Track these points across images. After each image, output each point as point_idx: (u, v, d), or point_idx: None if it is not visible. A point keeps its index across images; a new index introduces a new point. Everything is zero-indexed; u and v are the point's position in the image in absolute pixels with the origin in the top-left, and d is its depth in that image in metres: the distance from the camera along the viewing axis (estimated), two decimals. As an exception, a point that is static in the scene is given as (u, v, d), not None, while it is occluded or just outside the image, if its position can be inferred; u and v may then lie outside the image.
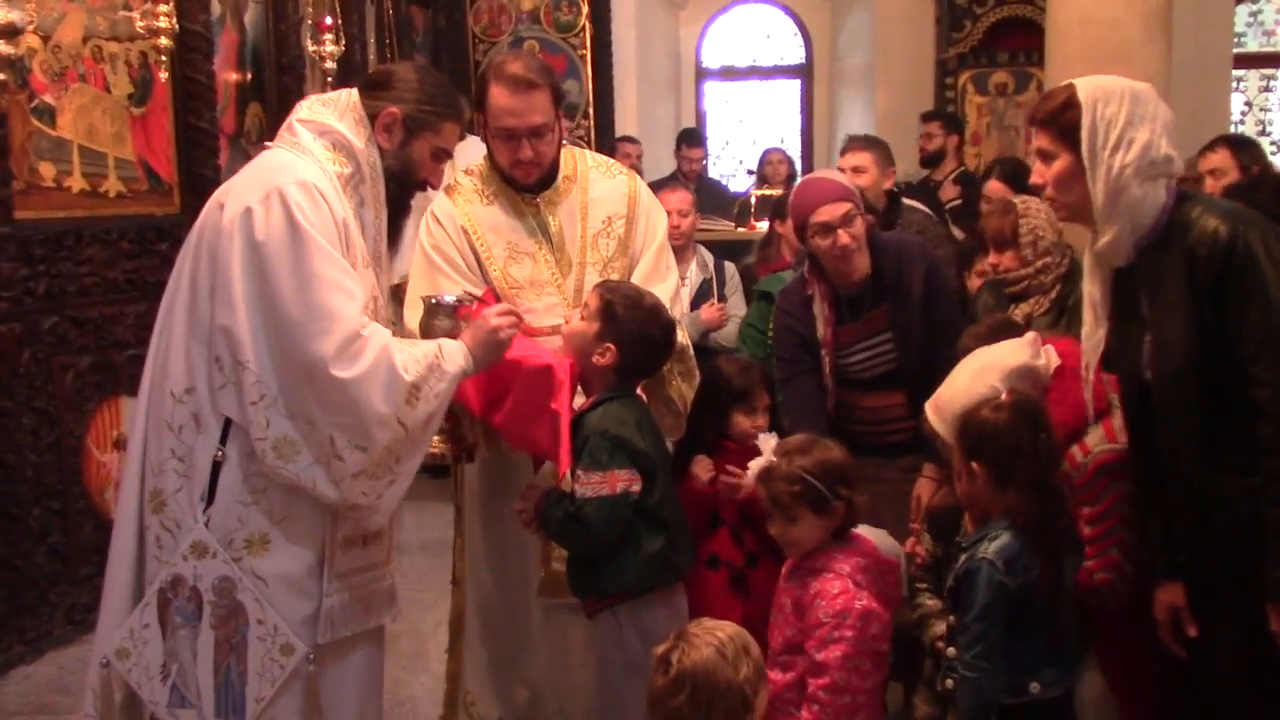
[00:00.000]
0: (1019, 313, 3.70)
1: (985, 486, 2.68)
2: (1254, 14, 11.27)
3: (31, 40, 4.45)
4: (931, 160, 7.80)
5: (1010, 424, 2.67)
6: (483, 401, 2.88)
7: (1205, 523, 2.56)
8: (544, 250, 3.24)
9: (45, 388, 4.55)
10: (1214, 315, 2.47)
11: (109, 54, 4.91)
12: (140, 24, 4.85)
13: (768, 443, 2.86)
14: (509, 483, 3.21)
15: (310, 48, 6.30)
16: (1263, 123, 11.46)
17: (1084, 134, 2.54)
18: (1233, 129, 10.19)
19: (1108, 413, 2.99)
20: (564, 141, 3.35)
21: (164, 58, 4.93)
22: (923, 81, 9.75)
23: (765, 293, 4.48)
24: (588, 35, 9.14)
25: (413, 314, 3.05)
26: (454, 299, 2.87)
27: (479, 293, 3.03)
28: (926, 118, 8.22)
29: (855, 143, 5.09)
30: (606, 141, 8.60)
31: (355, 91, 2.77)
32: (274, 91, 6.22)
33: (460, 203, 3.25)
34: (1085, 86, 2.59)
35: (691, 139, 8.94)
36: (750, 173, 9.42)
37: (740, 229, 7.54)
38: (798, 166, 10.14)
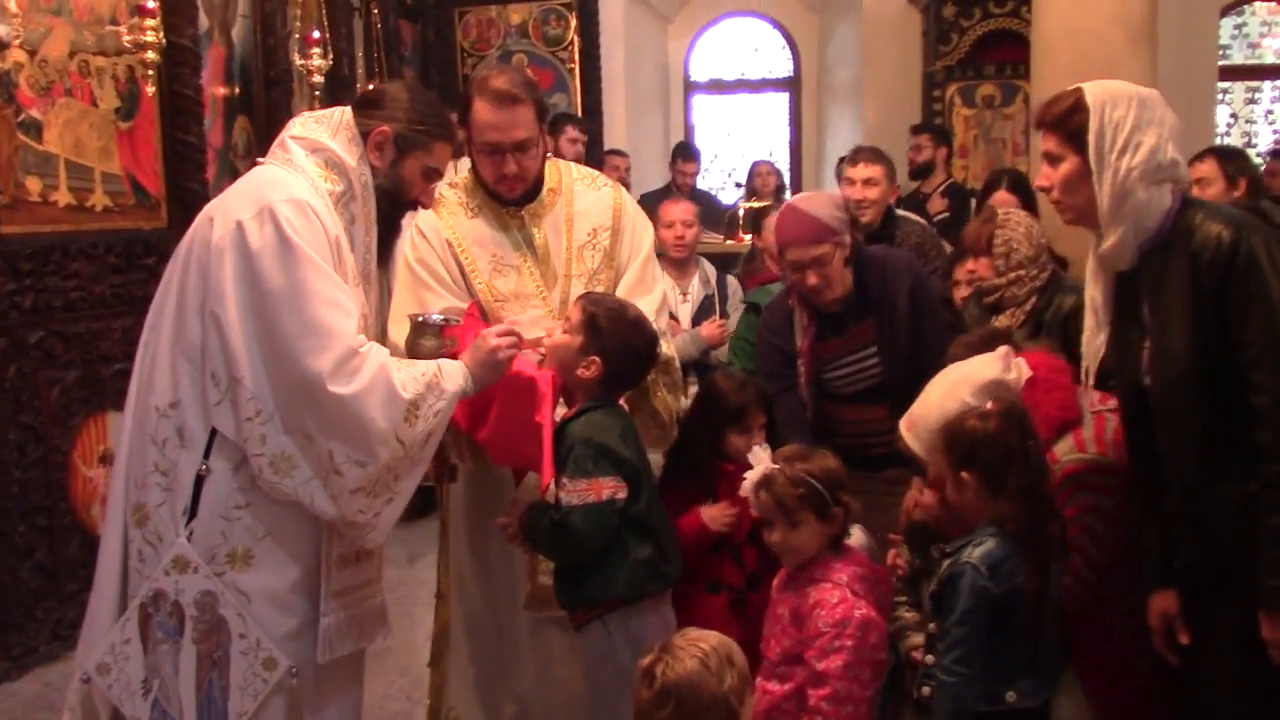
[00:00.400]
0: (997, 325, 3.72)
1: (975, 496, 2.67)
2: (1238, 26, 11.35)
3: (18, 54, 4.45)
4: (921, 172, 7.83)
5: (1000, 431, 2.68)
6: (469, 417, 2.87)
7: (1202, 529, 2.56)
8: (529, 263, 3.24)
9: (31, 403, 4.54)
10: (1215, 320, 2.47)
11: (96, 68, 4.91)
12: (127, 38, 4.88)
13: (761, 454, 2.86)
14: (494, 497, 3.20)
15: (298, 62, 6.32)
16: (1248, 134, 11.52)
17: (1091, 137, 2.55)
18: (1218, 141, 10.24)
19: (1077, 423, 3.00)
20: (548, 154, 3.35)
21: (151, 72, 4.97)
22: (910, 94, 9.79)
23: (754, 304, 4.49)
24: (576, 49, 9.16)
25: (397, 329, 3.04)
26: (441, 318, 2.86)
27: (465, 307, 3.03)
28: (916, 130, 8.25)
29: (865, 154, 5.02)
30: (595, 154, 8.62)
31: (348, 110, 2.77)
32: (262, 106, 6.22)
33: (445, 216, 3.25)
34: (1093, 90, 2.60)
35: (686, 153, 8.96)
36: (739, 185, 9.44)
37: (729, 241, 7.56)
38: (786, 179, 10.17)
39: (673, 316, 5.07)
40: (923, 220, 5.51)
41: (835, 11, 11.38)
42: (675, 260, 5.29)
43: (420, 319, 2.85)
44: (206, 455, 2.51)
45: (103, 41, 4.92)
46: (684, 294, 5.30)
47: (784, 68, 12.03)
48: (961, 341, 3.34)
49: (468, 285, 3.21)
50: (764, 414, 3.36)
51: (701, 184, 10.76)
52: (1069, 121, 2.60)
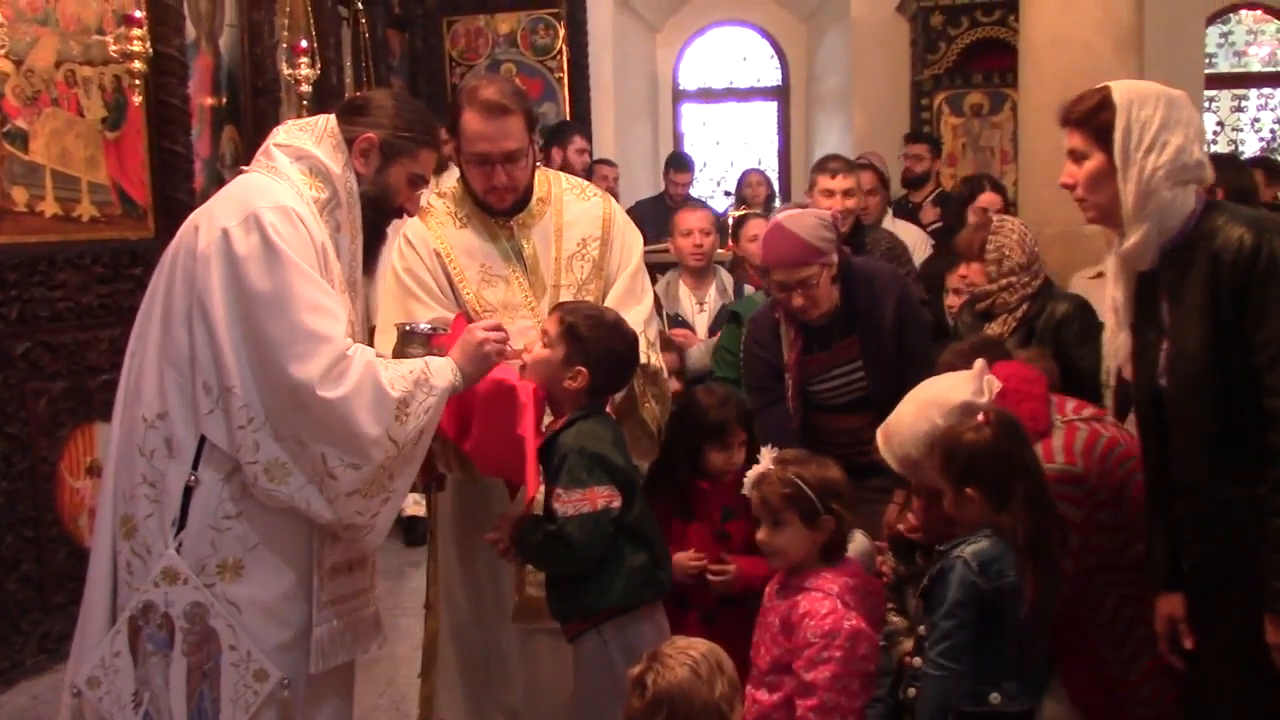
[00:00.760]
0: (989, 332, 3.73)
1: (980, 510, 2.67)
2: (1224, 35, 11.41)
3: (4, 64, 4.43)
4: (918, 182, 7.84)
5: (996, 440, 2.68)
6: (455, 426, 2.86)
7: (1209, 531, 2.56)
8: (518, 273, 3.23)
9: (18, 414, 4.51)
10: (1232, 323, 2.46)
11: (82, 78, 4.89)
12: (114, 48, 4.86)
13: (766, 454, 2.86)
14: (482, 507, 3.19)
15: (286, 71, 6.31)
16: (1235, 142, 11.57)
17: (1118, 135, 2.54)
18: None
19: (1046, 433, 3.00)
20: (537, 164, 3.34)
21: (138, 81, 4.94)
22: (899, 103, 9.81)
23: (735, 314, 4.47)
24: (565, 58, 9.17)
25: (384, 338, 3.03)
26: (428, 327, 2.85)
27: (451, 318, 3.02)
28: (912, 139, 8.26)
29: (841, 163, 4.96)
30: (585, 164, 8.62)
31: (333, 117, 2.76)
32: (249, 115, 6.20)
33: (433, 225, 3.24)
34: (1121, 88, 2.59)
35: (679, 163, 8.96)
36: (728, 194, 9.45)
37: (720, 250, 7.55)
38: (775, 188, 10.19)
39: (688, 326, 5.06)
40: (889, 230, 5.51)
41: (823, 20, 11.41)
42: (693, 269, 5.24)
43: (407, 328, 2.84)
44: (195, 466, 2.50)
45: (89, 51, 4.90)
46: (700, 304, 5.23)
47: (772, 76, 12.06)
48: (954, 349, 3.35)
49: (456, 295, 3.20)
50: (745, 430, 3.35)
51: (691, 193, 10.78)
52: (1095, 119, 2.59)
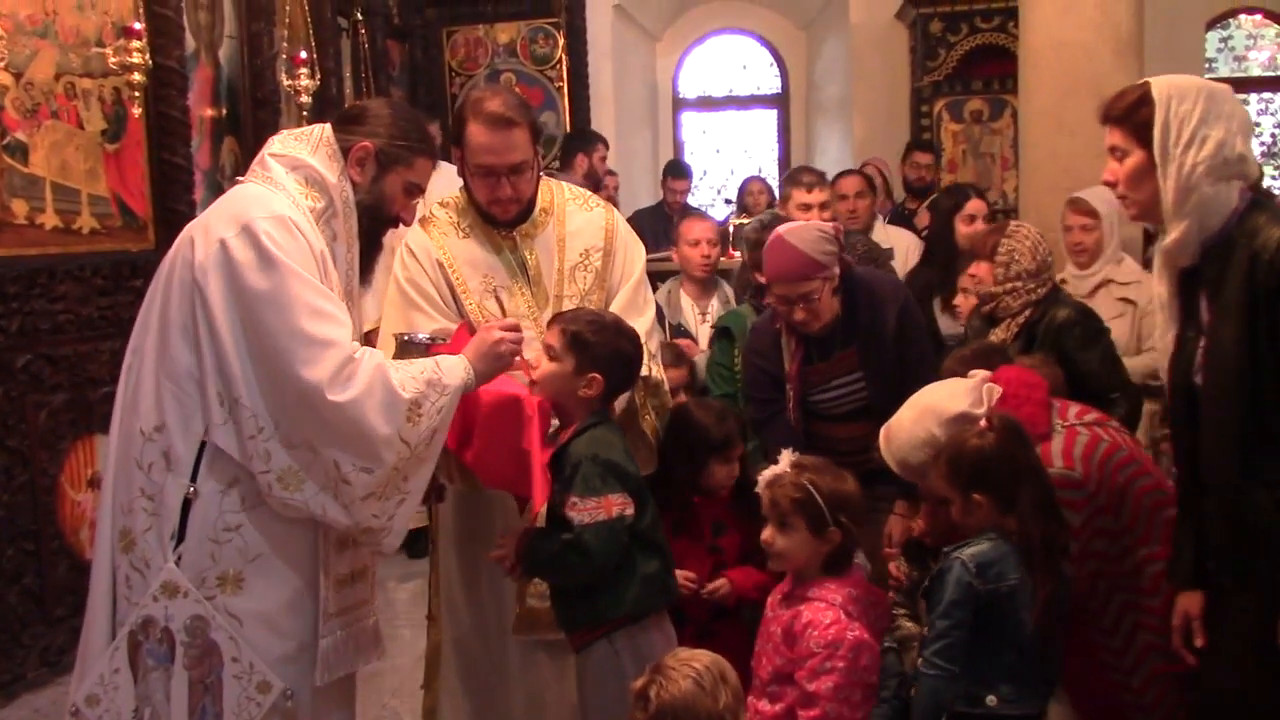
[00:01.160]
0: (994, 338, 3.74)
1: (988, 515, 2.68)
2: (1224, 39, 11.41)
3: (3, 77, 4.43)
4: (923, 190, 7.85)
5: (1000, 445, 2.68)
6: (456, 437, 2.84)
7: (1234, 531, 2.54)
8: (520, 284, 3.22)
9: (18, 426, 4.50)
10: (1268, 323, 2.44)
11: (82, 90, 4.88)
12: (113, 60, 4.87)
13: (785, 456, 2.86)
14: (483, 519, 3.19)
15: (285, 82, 6.32)
16: (1235, 146, 11.54)
17: (1157, 130, 2.50)
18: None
19: (1046, 438, 3.00)
20: (540, 174, 3.33)
21: (138, 93, 4.95)
22: (898, 110, 9.81)
23: (724, 328, 4.45)
24: (564, 68, 9.18)
25: (385, 350, 3.01)
26: (427, 337, 2.84)
27: (454, 328, 3.01)
28: (918, 147, 8.26)
29: (816, 176, 4.99)
30: (584, 172, 8.61)
31: (328, 126, 2.76)
32: (249, 126, 6.20)
33: (435, 235, 3.23)
34: (1160, 84, 2.56)
35: (677, 171, 8.97)
36: (728, 202, 9.45)
37: (721, 258, 7.54)
38: (777, 196, 10.18)
39: (691, 337, 5.05)
40: (863, 235, 5.51)
41: (822, 28, 11.41)
42: (698, 279, 5.23)
43: (405, 338, 2.83)
44: (194, 478, 2.49)
45: (89, 63, 4.90)
46: (704, 314, 5.21)
47: (772, 84, 12.06)
48: (955, 355, 3.35)
49: (458, 306, 3.19)
50: (744, 443, 3.37)
51: (691, 201, 10.78)
52: (1135, 115, 2.56)
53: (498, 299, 3.13)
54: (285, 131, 2.82)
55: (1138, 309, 4.55)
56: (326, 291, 2.54)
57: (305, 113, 6.26)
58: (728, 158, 12.15)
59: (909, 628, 2.93)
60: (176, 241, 2.63)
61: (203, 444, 2.50)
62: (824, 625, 2.67)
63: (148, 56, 4.86)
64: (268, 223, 2.51)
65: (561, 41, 9.15)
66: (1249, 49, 11.53)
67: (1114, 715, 3.06)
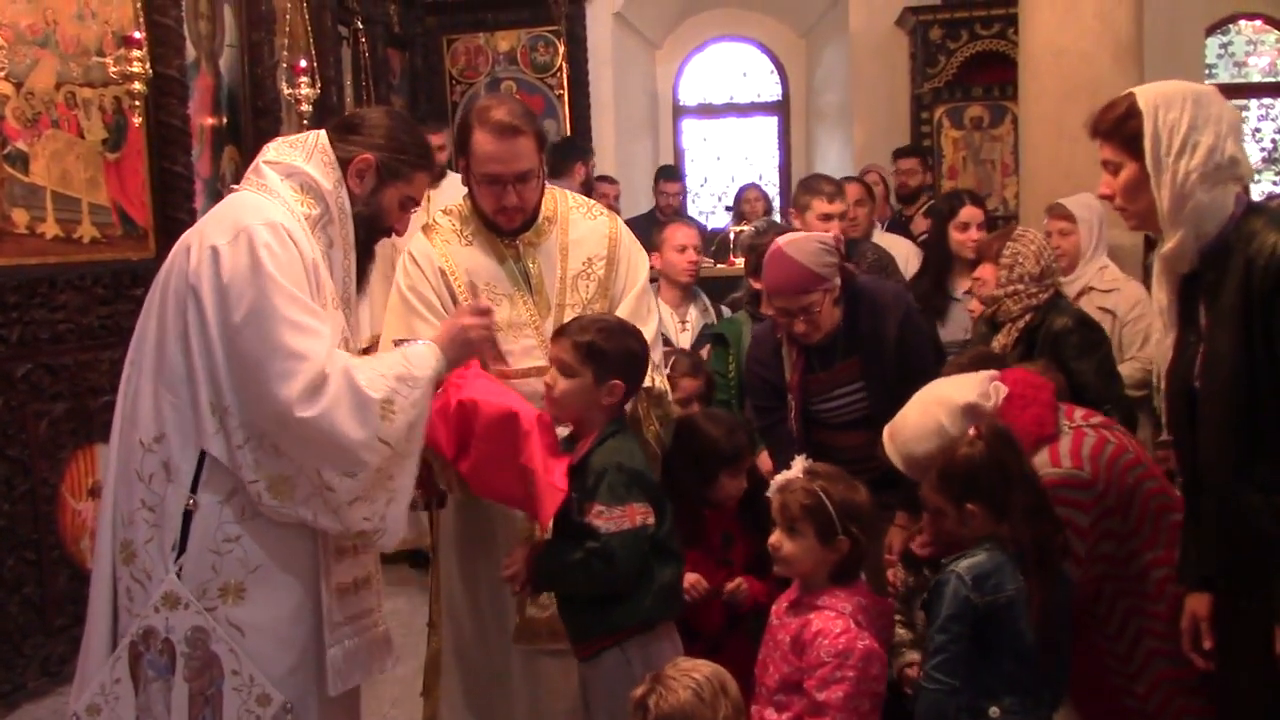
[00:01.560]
0: (996, 344, 3.74)
1: (982, 524, 2.67)
2: (1224, 45, 11.40)
3: (4, 87, 4.43)
4: (913, 196, 7.84)
5: (989, 453, 2.68)
6: (453, 446, 2.83)
7: (1232, 534, 2.54)
8: (522, 292, 3.22)
9: (19, 436, 4.50)
10: (1262, 329, 2.44)
11: (82, 99, 4.89)
12: (114, 70, 4.87)
13: (799, 463, 2.86)
14: (483, 527, 3.18)
15: (286, 91, 6.32)
16: (1236, 152, 11.54)
17: (1147, 141, 2.51)
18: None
19: (1053, 438, 2.99)
20: (545, 182, 3.33)
21: (138, 103, 4.95)
22: (899, 116, 9.80)
23: (719, 335, 4.44)
24: (564, 75, 9.19)
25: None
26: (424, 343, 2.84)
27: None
28: (904, 154, 8.25)
29: (834, 185, 4.97)
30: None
31: (323, 133, 2.76)
32: (250, 135, 6.20)
33: (438, 243, 3.23)
34: (1146, 93, 2.56)
35: (668, 174, 8.97)
36: (729, 209, 9.45)
37: (720, 265, 7.56)
38: (776, 203, 10.19)
39: (670, 344, 5.03)
40: (874, 244, 5.51)
41: (822, 35, 11.41)
42: (681, 285, 5.23)
43: (404, 344, 2.83)
44: (194, 489, 2.49)
45: (89, 73, 4.90)
46: (683, 322, 5.21)
47: (772, 91, 12.06)
48: (953, 362, 3.35)
49: (461, 314, 3.18)
50: (753, 455, 3.39)
51: (691, 208, 10.79)
52: (1124, 128, 2.56)
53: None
54: (280, 139, 2.83)
55: (1117, 319, 4.56)
56: (310, 304, 2.53)
57: (306, 121, 6.26)
58: (728, 165, 12.14)
59: (900, 634, 2.94)
60: (173, 251, 2.63)
61: (202, 454, 2.50)
62: (834, 634, 2.66)
63: (148, 66, 4.86)
64: (263, 230, 2.51)
65: (562, 49, 9.16)
66: (1249, 54, 11.52)
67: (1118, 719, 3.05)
